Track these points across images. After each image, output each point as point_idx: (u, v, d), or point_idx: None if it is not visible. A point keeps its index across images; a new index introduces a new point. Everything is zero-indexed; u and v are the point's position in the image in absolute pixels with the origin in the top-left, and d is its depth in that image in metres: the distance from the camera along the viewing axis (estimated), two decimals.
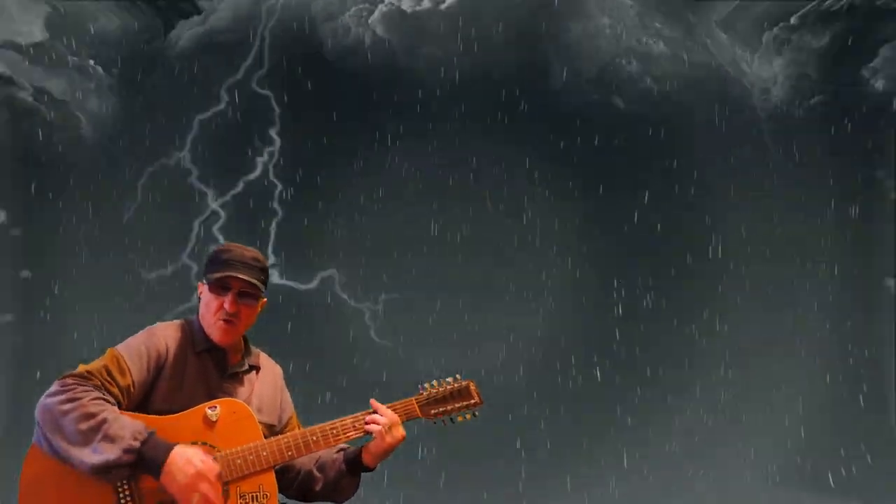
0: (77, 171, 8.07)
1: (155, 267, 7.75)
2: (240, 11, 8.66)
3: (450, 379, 3.61)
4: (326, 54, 8.55)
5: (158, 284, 7.61)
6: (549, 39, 8.13)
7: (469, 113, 7.95)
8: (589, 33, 8.39)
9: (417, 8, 9.03)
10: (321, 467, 3.65)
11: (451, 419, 3.56)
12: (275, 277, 7.52)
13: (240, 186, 7.87)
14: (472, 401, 3.58)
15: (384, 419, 3.50)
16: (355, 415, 3.54)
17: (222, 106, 7.93)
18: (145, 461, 3.30)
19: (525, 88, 7.90)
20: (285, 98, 7.94)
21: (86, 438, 3.27)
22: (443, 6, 8.91)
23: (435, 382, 3.60)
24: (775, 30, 8.20)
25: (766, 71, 8.40)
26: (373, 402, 3.56)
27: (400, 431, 3.53)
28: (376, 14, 8.99)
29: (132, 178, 7.87)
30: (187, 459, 3.32)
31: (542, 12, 8.02)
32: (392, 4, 9.01)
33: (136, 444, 3.28)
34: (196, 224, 7.77)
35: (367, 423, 3.51)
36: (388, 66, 8.28)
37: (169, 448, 3.32)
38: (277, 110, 7.90)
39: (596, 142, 8.03)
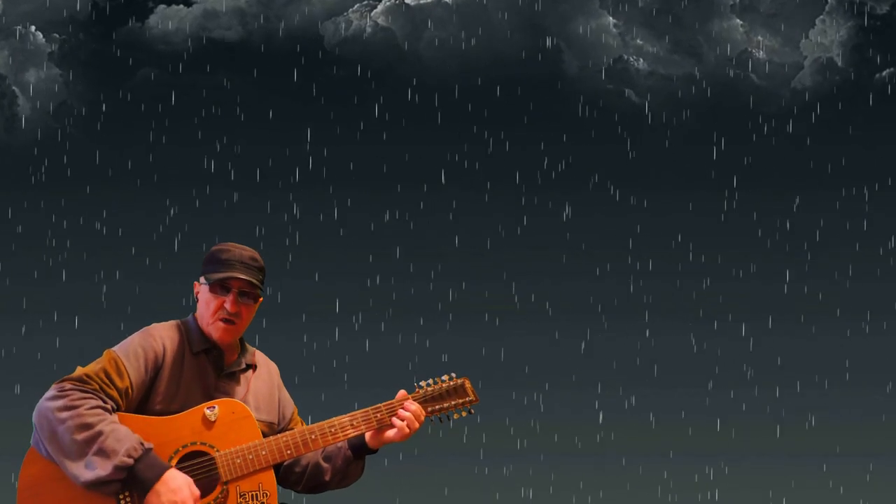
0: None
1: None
2: (248, 22, 9.10)
3: (445, 377, 3.94)
4: (326, 46, 8.97)
5: None
6: (556, 32, 8.53)
7: (473, 107, 8.32)
8: (594, 30, 8.78)
9: (421, 1, 9.48)
10: (328, 458, 3.98)
11: (448, 417, 3.92)
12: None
13: (241, 185, 8.33)
14: (468, 398, 3.93)
15: (409, 414, 3.86)
16: (352, 413, 3.86)
17: (238, 112, 8.35)
18: (136, 480, 3.59)
19: (531, 80, 8.27)
20: (282, 95, 8.35)
21: (80, 450, 3.56)
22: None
23: (430, 381, 3.93)
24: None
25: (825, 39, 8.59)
26: (402, 392, 3.92)
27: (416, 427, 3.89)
28: (379, 8, 9.45)
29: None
30: (178, 486, 3.63)
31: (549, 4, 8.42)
32: None
33: (130, 461, 3.56)
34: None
35: (395, 415, 3.85)
36: (390, 59, 8.67)
37: (162, 470, 3.62)
38: (270, 112, 8.34)
39: (605, 135, 8.40)
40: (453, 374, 3.99)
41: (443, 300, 8.39)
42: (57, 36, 9.35)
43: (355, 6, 9.50)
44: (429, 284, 8.37)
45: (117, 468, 3.57)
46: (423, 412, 3.92)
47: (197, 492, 3.70)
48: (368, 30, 9.41)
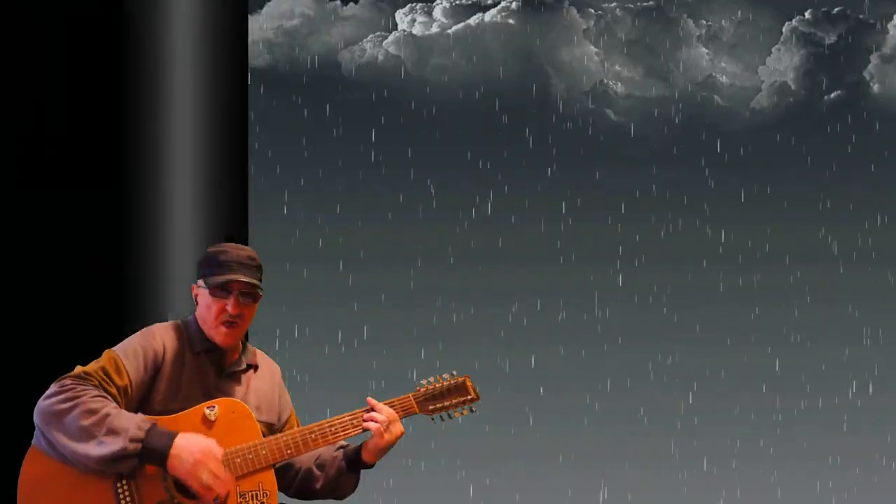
0: None
1: None
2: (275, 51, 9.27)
3: (446, 375, 3.97)
4: (344, 73, 9.18)
5: None
6: (546, 61, 8.70)
7: (473, 129, 8.41)
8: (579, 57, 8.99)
9: (427, 32, 9.80)
10: (321, 465, 3.98)
11: (449, 415, 3.95)
12: None
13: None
14: (469, 396, 3.96)
15: (382, 416, 3.86)
16: (353, 412, 3.88)
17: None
18: (150, 450, 3.65)
19: (526, 105, 8.38)
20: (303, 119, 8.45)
21: (89, 434, 3.62)
22: (450, 31, 9.67)
23: (432, 379, 3.97)
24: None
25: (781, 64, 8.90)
26: (369, 399, 3.91)
27: (398, 428, 3.89)
28: (390, 38, 9.76)
29: None
30: (192, 442, 3.68)
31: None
32: (404, 31, 9.78)
33: (141, 433, 3.63)
34: None
35: (364, 421, 3.87)
36: (399, 84, 8.81)
37: (172, 436, 3.67)
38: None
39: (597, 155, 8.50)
40: (454, 373, 4.03)
41: None
42: None
43: (369, 36, 9.82)
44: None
45: (131, 440, 3.63)
46: (396, 415, 3.92)
47: (213, 442, 3.77)
48: (381, 57, 9.71)
